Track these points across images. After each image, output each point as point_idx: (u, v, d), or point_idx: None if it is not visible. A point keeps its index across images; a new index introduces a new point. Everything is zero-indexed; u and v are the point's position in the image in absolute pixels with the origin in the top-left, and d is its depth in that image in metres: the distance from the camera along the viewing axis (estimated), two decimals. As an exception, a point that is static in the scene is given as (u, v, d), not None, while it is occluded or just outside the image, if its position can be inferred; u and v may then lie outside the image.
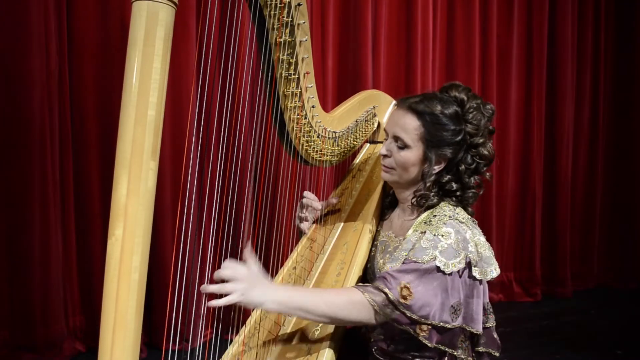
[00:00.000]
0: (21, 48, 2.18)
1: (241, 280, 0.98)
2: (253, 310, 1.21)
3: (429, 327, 1.09)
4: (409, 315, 1.05)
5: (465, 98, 1.22)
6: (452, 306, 1.08)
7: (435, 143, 1.19)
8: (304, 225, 1.48)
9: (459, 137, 1.20)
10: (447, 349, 1.13)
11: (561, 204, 3.64)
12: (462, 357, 1.20)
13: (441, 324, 1.08)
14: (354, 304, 1.05)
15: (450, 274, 1.07)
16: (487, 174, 1.26)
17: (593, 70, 3.76)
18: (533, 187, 3.54)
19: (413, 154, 1.21)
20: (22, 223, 2.25)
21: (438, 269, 1.07)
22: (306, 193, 1.46)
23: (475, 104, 1.22)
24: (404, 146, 1.21)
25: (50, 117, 2.26)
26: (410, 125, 1.20)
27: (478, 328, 1.13)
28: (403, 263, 1.09)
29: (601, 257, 3.90)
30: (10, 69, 2.20)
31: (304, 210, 1.47)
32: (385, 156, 1.26)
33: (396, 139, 1.23)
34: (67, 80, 2.35)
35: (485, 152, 1.22)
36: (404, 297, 1.05)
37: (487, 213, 3.37)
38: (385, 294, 1.05)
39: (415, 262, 1.08)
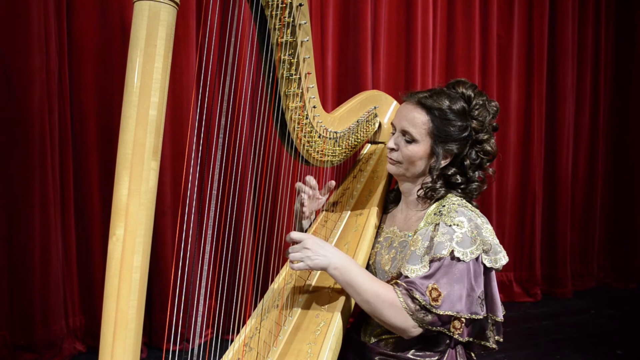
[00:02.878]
0: (21, 48, 2.18)
1: (308, 248, 1.11)
2: (259, 306, 1.21)
3: (462, 322, 1.10)
4: (442, 313, 1.07)
5: (472, 95, 1.24)
6: (478, 297, 1.11)
7: (443, 138, 1.21)
8: (303, 211, 1.46)
9: (465, 133, 1.22)
10: (477, 341, 1.16)
11: (561, 203, 3.64)
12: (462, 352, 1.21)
13: (472, 316, 1.10)
14: (393, 306, 1.08)
15: (470, 262, 1.09)
16: (490, 169, 1.28)
17: (593, 70, 3.76)
18: (533, 186, 3.55)
19: (420, 148, 1.22)
20: (22, 223, 2.25)
21: (458, 259, 1.09)
22: (308, 178, 1.45)
23: (481, 100, 1.24)
24: (411, 140, 1.22)
25: (50, 117, 2.26)
26: (419, 120, 1.21)
27: (500, 315, 1.16)
28: (429, 265, 1.10)
29: (601, 257, 3.91)
30: (10, 68, 2.20)
31: (302, 195, 1.46)
32: (392, 149, 1.27)
33: (404, 132, 1.23)
34: (67, 80, 2.35)
35: (489, 148, 1.24)
36: (435, 299, 1.07)
37: (487, 213, 3.37)
38: (417, 299, 1.07)
39: (436, 260, 1.09)
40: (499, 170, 3.46)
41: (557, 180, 3.65)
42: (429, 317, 1.08)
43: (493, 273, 1.16)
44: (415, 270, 1.11)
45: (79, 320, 2.47)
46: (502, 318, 1.17)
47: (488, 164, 1.27)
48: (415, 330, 1.09)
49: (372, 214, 1.40)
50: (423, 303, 1.07)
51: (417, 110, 1.22)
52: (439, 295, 1.07)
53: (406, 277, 1.11)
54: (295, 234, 1.13)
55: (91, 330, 2.47)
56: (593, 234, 3.84)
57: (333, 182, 1.51)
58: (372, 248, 1.34)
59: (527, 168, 3.55)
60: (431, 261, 1.10)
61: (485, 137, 1.24)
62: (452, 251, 1.09)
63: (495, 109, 1.26)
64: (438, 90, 1.26)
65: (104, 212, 2.42)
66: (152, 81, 0.70)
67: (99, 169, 2.42)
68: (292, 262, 1.12)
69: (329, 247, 1.13)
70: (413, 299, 1.08)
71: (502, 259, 1.14)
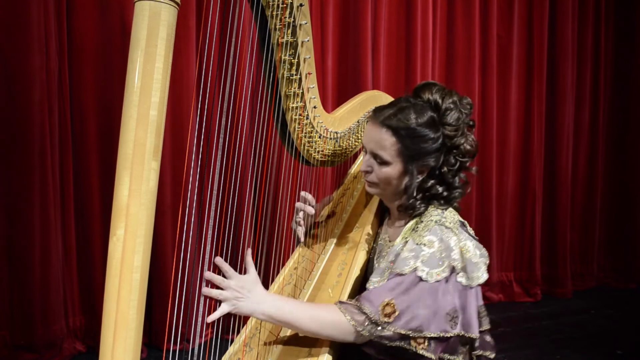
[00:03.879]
0: (21, 48, 2.18)
1: (233, 289, 1.04)
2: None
3: (427, 339, 1.05)
4: (396, 331, 1.03)
5: (440, 100, 1.17)
6: (447, 314, 1.06)
7: (415, 156, 1.16)
8: (300, 231, 1.45)
9: (438, 143, 1.16)
10: (449, 357, 1.11)
11: (561, 203, 3.64)
12: None
13: (441, 334, 1.05)
14: (337, 323, 1.05)
15: (433, 282, 1.05)
16: (473, 168, 1.22)
17: (593, 70, 3.76)
18: (533, 187, 3.54)
19: (394, 170, 1.17)
20: (22, 223, 2.25)
21: (420, 279, 1.05)
22: (303, 193, 1.44)
23: (451, 103, 1.17)
24: (382, 162, 1.18)
25: (50, 117, 2.26)
26: (387, 142, 1.16)
27: (475, 332, 1.11)
28: (388, 279, 1.07)
29: (601, 257, 3.90)
30: (11, 68, 2.20)
31: (300, 214, 1.45)
32: (366, 172, 1.22)
33: (374, 155, 1.19)
34: (67, 80, 2.35)
35: (468, 148, 1.18)
36: (388, 315, 1.03)
37: (487, 213, 3.37)
38: (366, 314, 1.04)
39: (397, 275, 1.06)
40: (499, 171, 3.46)
41: (557, 180, 3.65)
42: (385, 333, 1.04)
43: (474, 290, 1.11)
44: (374, 283, 1.08)
45: (79, 320, 2.47)
46: (478, 335, 1.12)
47: (469, 163, 1.20)
48: (363, 338, 1.06)
49: (372, 214, 1.40)
50: (373, 318, 1.03)
51: (382, 131, 1.16)
52: (393, 312, 1.03)
53: (367, 288, 1.09)
54: (217, 281, 1.04)
55: (91, 330, 2.47)
56: (593, 234, 3.83)
57: (331, 197, 1.48)
58: (369, 252, 1.33)
59: (527, 168, 3.55)
60: (391, 275, 1.07)
61: (462, 140, 1.17)
62: (415, 269, 1.05)
63: (469, 107, 1.19)
64: (403, 104, 1.18)
65: (104, 212, 2.42)
66: (153, 81, 0.70)
67: (99, 169, 2.42)
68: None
69: (255, 291, 1.06)
70: (364, 314, 1.04)
71: (481, 277, 1.10)
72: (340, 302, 1.08)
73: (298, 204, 1.44)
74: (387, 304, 1.03)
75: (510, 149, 3.48)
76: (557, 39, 3.58)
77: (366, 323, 1.04)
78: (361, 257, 1.28)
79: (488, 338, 1.17)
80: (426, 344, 1.05)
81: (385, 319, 1.03)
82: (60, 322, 2.36)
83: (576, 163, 3.74)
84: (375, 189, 1.24)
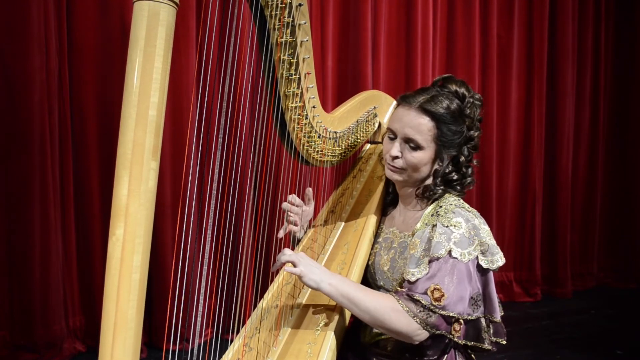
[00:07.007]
0: (21, 48, 2.18)
1: (306, 257, 1.11)
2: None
3: (460, 324, 1.10)
4: (446, 314, 1.06)
5: (466, 92, 1.23)
6: (471, 297, 1.10)
7: (447, 142, 1.20)
8: (295, 229, 1.43)
9: (463, 134, 1.21)
10: (474, 344, 1.14)
11: (561, 203, 3.64)
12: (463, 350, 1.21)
13: (467, 317, 1.10)
14: (394, 310, 1.08)
15: (467, 263, 1.09)
16: (475, 161, 1.29)
17: (593, 70, 3.76)
18: (533, 186, 3.55)
19: (426, 155, 1.20)
20: (22, 223, 2.25)
21: (456, 260, 1.08)
22: (290, 197, 1.42)
23: (471, 97, 1.23)
24: (417, 147, 1.20)
25: (50, 117, 2.26)
26: (425, 127, 1.19)
27: (498, 316, 1.16)
28: (427, 266, 1.10)
29: (601, 257, 3.91)
30: (11, 68, 2.20)
31: (291, 215, 1.43)
32: (396, 157, 1.23)
33: (408, 140, 1.20)
34: (67, 80, 2.35)
35: (478, 142, 1.25)
36: (437, 299, 1.06)
37: (487, 213, 3.37)
38: (419, 300, 1.07)
39: (435, 260, 1.09)
40: (499, 171, 3.46)
41: (557, 180, 3.65)
42: (433, 319, 1.07)
43: (491, 273, 1.16)
44: (416, 274, 1.10)
45: (79, 320, 2.47)
46: (500, 319, 1.16)
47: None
48: (421, 333, 1.08)
49: (371, 213, 1.40)
50: (425, 303, 1.06)
51: (421, 116, 1.19)
52: (442, 295, 1.06)
53: (408, 281, 1.11)
54: (287, 252, 1.12)
55: (91, 330, 2.47)
56: (593, 234, 3.83)
57: (310, 190, 1.47)
58: (372, 248, 1.33)
59: (527, 168, 3.55)
60: (430, 262, 1.10)
61: (476, 133, 1.24)
62: (450, 251, 1.09)
63: (479, 102, 1.25)
64: (433, 92, 1.23)
65: (104, 212, 2.42)
66: (152, 81, 0.69)
67: (99, 169, 2.42)
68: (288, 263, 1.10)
69: (321, 267, 1.12)
70: (415, 301, 1.07)
71: (499, 260, 1.13)
72: (396, 292, 1.12)
73: (285, 205, 1.42)
74: (434, 289, 1.07)
75: (510, 148, 3.48)
76: (557, 39, 3.58)
77: (419, 310, 1.07)
78: (361, 257, 1.28)
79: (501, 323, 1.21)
80: (459, 330, 1.10)
81: (437, 303, 1.06)
82: (60, 322, 2.36)
83: (576, 163, 3.74)
84: (400, 175, 1.25)
